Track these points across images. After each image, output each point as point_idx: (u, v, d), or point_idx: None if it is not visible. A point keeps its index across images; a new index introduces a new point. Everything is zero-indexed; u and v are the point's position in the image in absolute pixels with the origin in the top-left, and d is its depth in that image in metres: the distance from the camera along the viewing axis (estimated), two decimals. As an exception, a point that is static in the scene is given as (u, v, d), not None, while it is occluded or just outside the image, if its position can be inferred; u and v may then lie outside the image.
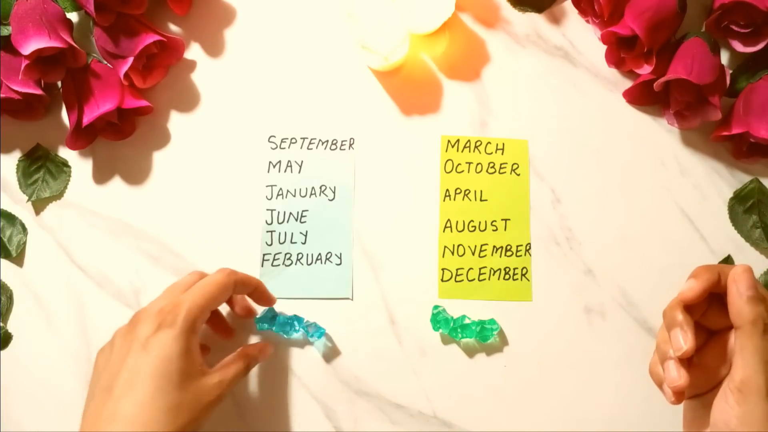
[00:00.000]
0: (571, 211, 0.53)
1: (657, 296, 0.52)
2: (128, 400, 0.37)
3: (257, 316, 0.50)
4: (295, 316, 0.50)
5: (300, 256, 0.52)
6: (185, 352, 0.39)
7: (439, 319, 0.50)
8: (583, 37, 0.56)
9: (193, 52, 0.56)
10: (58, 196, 0.53)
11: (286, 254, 0.52)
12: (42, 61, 0.49)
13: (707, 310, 0.37)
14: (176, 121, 0.55)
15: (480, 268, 0.52)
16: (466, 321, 0.50)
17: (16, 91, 0.50)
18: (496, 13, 0.57)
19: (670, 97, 0.52)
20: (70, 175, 0.54)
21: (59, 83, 0.53)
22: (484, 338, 0.50)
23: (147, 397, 0.37)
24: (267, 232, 0.53)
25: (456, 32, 0.56)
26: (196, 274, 0.46)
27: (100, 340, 0.45)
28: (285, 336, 0.50)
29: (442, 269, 0.52)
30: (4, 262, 0.53)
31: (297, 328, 0.50)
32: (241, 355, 0.45)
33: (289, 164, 0.54)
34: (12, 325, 0.52)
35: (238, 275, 0.45)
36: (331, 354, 0.51)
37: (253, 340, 0.51)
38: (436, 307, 0.50)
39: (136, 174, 0.54)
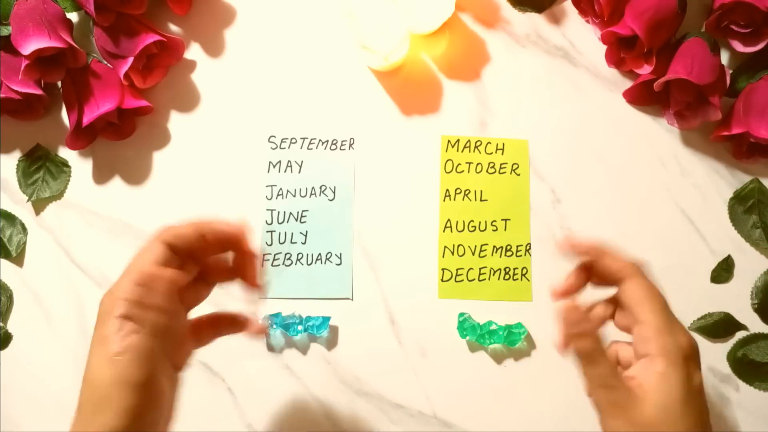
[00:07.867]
0: (571, 211, 0.53)
1: (657, 296, 0.52)
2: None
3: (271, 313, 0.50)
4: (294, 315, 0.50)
5: (300, 256, 0.52)
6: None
7: (466, 326, 0.49)
8: (583, 37, 0.56)
9: (193, 52, 0.56)
10: (58, 196, 0.53)
11: (286, 254, 0.52)
12: (42, 61, 0.49)
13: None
14: (176, 121, 0.55)
15: (480, 268, 0.52)
16: (493, 327, 0.49)
17: (16, 91, 0.50)
18: (496, 13, 0.56)
19: (670, 97, 0.52)
20: (70, 175, 0.54)
21: (59, 83, 0.53)
22: (512, 343, 0.49)
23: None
24: (267, 232, 0.53)
25: (456, 32, 0.56)
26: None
27: (100, 340, 0.44)
28: (292, 335, 0.50)
29: (442, 269, 0.52)
30: (4, 262, 0.53)
31: (299, 327, 0.50)
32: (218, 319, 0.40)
33: (289, 164, 0.54)
34: (12, 325, 0.52)
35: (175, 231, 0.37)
36: (331, 354, 0.51)
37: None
38: (462, 314, 0.50)
39: (136, 174, 0.54)
